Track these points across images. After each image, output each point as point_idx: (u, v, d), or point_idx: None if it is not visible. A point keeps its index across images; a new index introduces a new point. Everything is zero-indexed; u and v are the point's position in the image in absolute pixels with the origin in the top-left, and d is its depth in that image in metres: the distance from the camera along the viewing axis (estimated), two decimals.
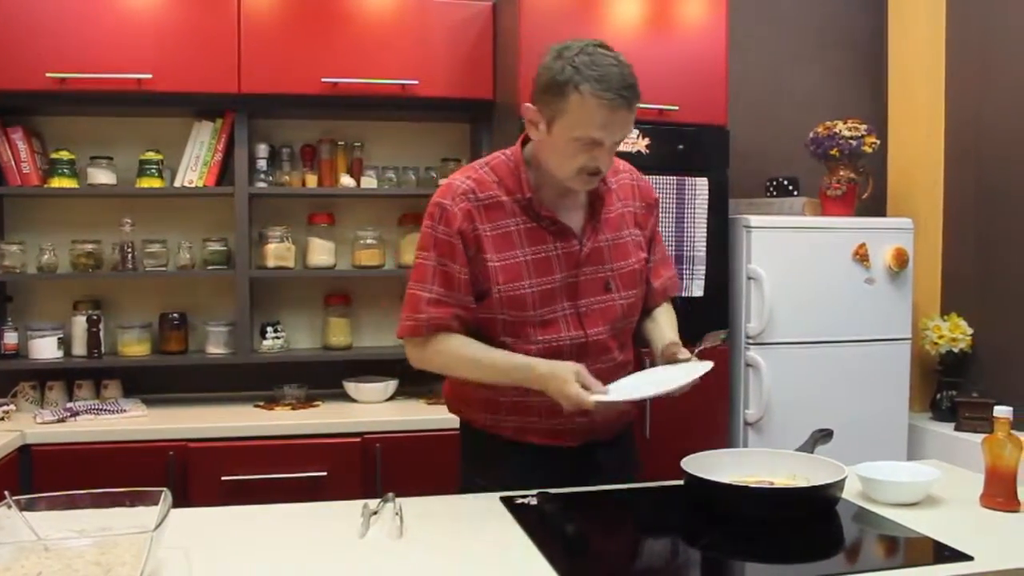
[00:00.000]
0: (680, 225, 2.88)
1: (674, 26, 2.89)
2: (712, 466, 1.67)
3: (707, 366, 1.69)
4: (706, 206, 2.90)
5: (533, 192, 1.73)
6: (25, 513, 1.34)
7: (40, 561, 1.21)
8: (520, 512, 1.61)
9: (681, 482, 1.66)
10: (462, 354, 1.74)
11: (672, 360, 1.76)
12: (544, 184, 1.75)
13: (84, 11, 2.80)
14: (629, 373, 1.81)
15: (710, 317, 2.93)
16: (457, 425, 1.94)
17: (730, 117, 2.98)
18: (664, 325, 1.91)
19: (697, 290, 2.90)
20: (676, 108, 2.88)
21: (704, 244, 2.91)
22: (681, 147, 2.90)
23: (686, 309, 2.85)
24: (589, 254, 1.77)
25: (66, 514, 1.38)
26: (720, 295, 2.97)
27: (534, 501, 1.66)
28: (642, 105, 2.72)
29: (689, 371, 1.68)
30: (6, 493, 1.35)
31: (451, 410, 1.96)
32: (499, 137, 3.02)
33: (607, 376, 1.73)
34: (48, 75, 2.76)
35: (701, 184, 2.89)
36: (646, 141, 2.84)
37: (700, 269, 2.90)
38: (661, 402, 2.75)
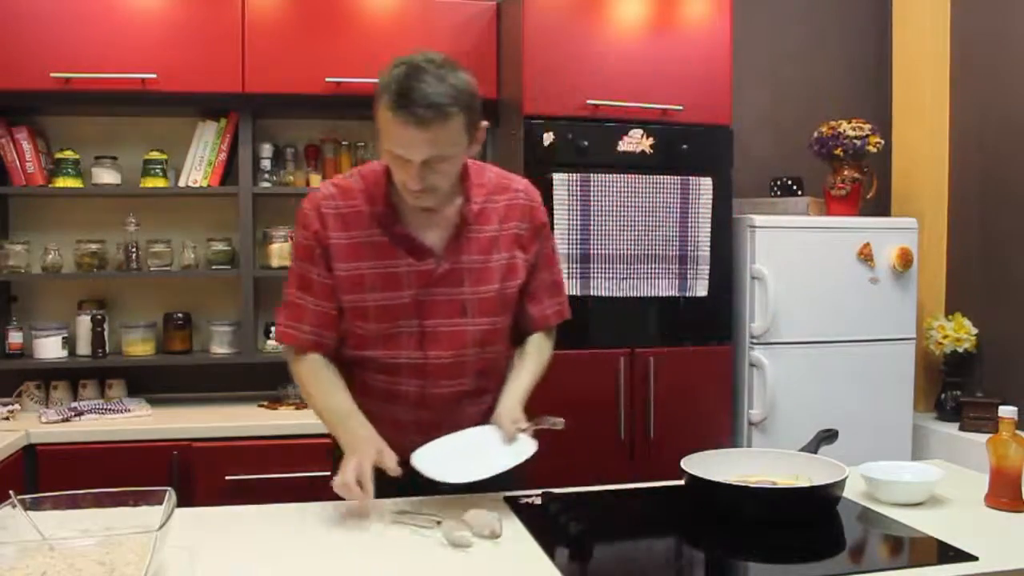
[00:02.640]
0: (684, 225, 2.87)
1: (678, 26, 2.88)
2: (713, 466, 1.67)
3: (534, 448, 1.63)
4: (710, 206, 2.89)
5: (390, 206, 1.67)
6: (30, 513, 1.34)
7: (45, 561, 1.21)
8: (524, 511, 1.61)
9: (683, 482, 1.66)
10: (310, 382, 1.72)
11: (504, 427, 1.67)
12: (404, 199, 1.66)
13: (88, 11, 2.80)
14: (481, 403, 1.76)
15: (714, 317, 2.94)
16: None
17: (734, 117, 2.97)
18: (520, 374, 1.77)
19: (701, 290, 2.89)
20: (680, 108, 2.87)
21: (708, 244, 2.90)
22: (685, 147, 2.89)
23: (690, 309, 2.89)
24: (444, 275, 1.68)
25: (70, 514, 1.38)
26: (724, 295, 2.97)
27: (538, 500, 1.66)
28: (646, 105, 2.81)
29: (518, 452, 1.63)
30: (11, 493, 1.35)
31: None
32: (503, 136, 3.02)
33: (448, 402, 1.73)
34: (53, 75, 2.76)
35: (705, 184, 2.89)
36: (650, 141, 2.84)
37: (704, 269, 2.89)
38: (663, 403, 2.78)
